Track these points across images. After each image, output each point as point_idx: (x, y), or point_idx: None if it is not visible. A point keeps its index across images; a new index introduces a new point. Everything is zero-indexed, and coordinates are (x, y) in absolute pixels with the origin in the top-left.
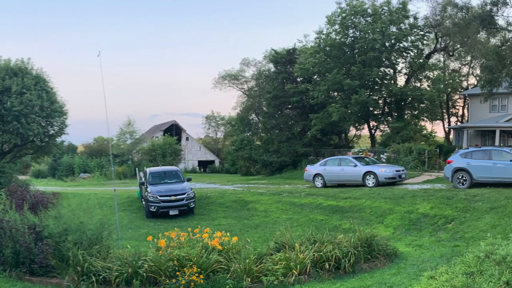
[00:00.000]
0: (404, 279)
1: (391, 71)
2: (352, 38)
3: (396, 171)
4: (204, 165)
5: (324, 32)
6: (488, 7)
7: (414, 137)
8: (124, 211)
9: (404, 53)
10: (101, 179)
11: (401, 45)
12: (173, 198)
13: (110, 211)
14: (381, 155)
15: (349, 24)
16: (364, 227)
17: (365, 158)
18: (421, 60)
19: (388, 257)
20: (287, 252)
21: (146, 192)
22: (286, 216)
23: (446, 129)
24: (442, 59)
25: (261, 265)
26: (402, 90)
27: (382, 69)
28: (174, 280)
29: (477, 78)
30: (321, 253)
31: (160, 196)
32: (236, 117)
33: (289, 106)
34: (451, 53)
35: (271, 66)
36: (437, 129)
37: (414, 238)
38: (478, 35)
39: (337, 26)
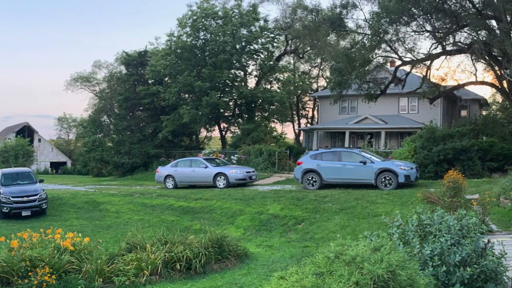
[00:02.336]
0: (255, 280)
1: (242, 73)
2: (203, 41)
3: (247, 172)
4: (56, 167)
5: (175, 35)
6: (338, 10)
7: (265, 139)
8: None
9: (254, 56)
10: None
11: (252, 47)
12: (25, 199)
13: None
14: (232, 157)
15: (200, 26)
16: (215, 228)
17: (216, 160)
18: (271, 62)
19: (239, 258)
20: (139, 252)
21: None
22: (138, 217)
23: (296, 131)
24: (292, 61)
25: (113, 265)
26: (252, 92)
27: (233, 71)
28: (26, 281)
29: (327, 80)
30: (172, 253)
31: (12, 197)
32: (88, 118)
33: (141, 108)
34: (301, 55)
35: (123, 68)
36: (287, 131)
37: (265, 238)
38: (328, 38)
39: (188, 29)
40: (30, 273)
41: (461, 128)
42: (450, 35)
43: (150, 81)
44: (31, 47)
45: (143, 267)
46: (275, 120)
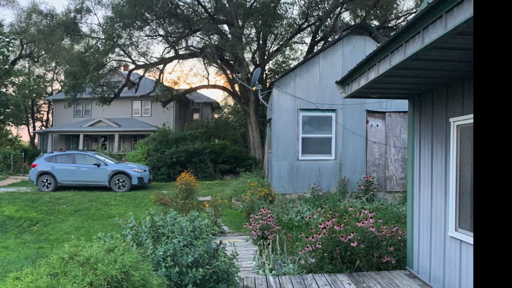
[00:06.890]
0: None
1: None
2: None
3: None
4: None
5: None
6: (72, 15)
7: (0, 142)
8: None
9: None
10: None
11: None
12: None
13: None
14: None
15: None
16: None
17: None
18: (6, 66)
19: None
20: None
21: None
22: None
23: (31, 134)
24: (27, 65)
25: None
26: None
27: None
28: None
29: (62, 83)
30: None
31: None
32: None
33: None
34: (36, 59)
35: None
36: (23, 134)
37: (0, 240)
38: (63, 42)
39: None
40: None
41: (193, 131)
42: (182, 39)
43: None
44: None
45: None
46: (10, 123)
